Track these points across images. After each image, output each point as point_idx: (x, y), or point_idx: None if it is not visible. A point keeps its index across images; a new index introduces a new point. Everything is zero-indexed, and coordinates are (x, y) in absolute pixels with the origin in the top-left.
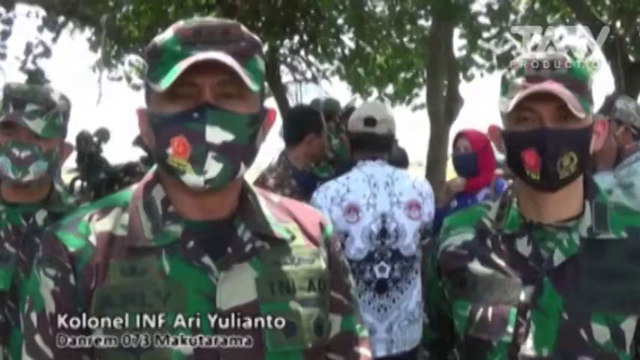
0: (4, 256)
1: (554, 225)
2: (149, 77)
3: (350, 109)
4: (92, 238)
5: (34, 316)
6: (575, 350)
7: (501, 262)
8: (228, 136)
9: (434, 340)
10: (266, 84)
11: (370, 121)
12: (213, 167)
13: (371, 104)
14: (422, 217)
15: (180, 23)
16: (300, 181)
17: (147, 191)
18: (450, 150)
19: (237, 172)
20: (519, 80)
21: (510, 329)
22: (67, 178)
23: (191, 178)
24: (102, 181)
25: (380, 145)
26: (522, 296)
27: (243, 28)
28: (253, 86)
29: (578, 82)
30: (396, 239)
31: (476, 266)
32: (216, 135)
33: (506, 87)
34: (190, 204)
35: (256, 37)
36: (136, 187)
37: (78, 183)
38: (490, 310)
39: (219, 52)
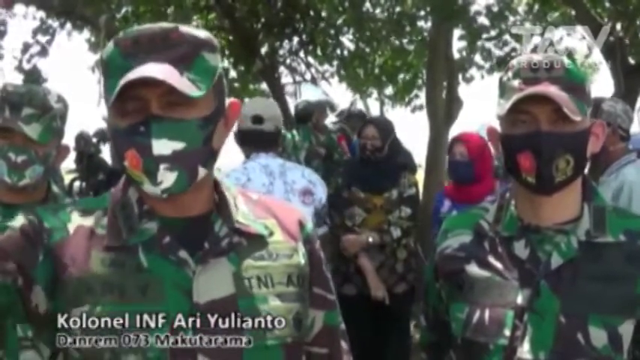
0: None
1: (552, 228)
2: (103, 90)
3: (354, 113)
4: (70, 226)
5: None
6: (572, 353)
7: (499, 265)
8: (178, 145)
9: (431, 343)
10: (265, 85)
11: (258, 119)
12: (168, 177)
13: (258, 101)
14: (315, 203)
15: (121, 34)
16: None
17: (123, 192)
18: None
19: (196, 177)
20: (516, 82)
21: (507, 332)
22: (66, 178)
23: (149, 189)
24: (101, 181)
25: (267, 140)
26: (519, 299)
27: (184, 29)
28: (194, 93)
29: (575, 84)
30: None
31: (473, 269)
32: (164, 146)
33: (503, 89)
34: (162, 204)
35: (202, 34)
36: (113, 190)
37: (77, 184)
38: (487, 313)
39: (158, 62)
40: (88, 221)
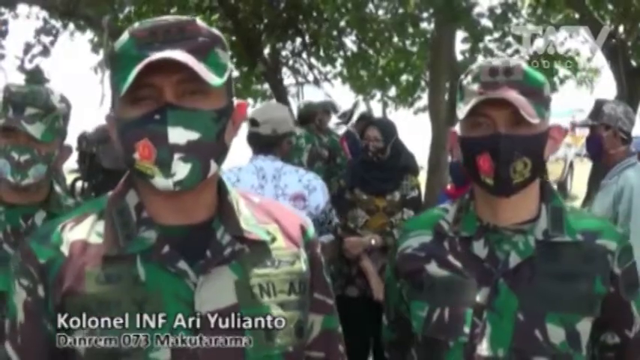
0: (3, 258)
1: (510, 228)
2: (111, 83)
3: (362, 115)
4: (64, 248)
5: (7, 323)
6: (531, 350)
7: (458, 264)
8: (193, 135)
9: (393, 341)
10: (267, 86)
11: (253, 122)
12: (181, 169)
13: (263, 106)
14: (308, 209)
15: (136, 25)
16: None
17: (121, 198)
18: None
19: (208, 171)
20: (475, 86)
21: (466, 330)
22: (68, 178)
23: (160, 182)
24: (103, 182)
25: (263, 143)
26: (478, 297)
27: (200, 23)
28: (213, 80)
29: (533, 88)
30: None
31: (433, 268)
32: (179, 135)
33: (463, 93)
34: (165, 207)
35: (216, 31)
36: (111, 194)
37: (79, 184)
38: (447, 311)
39: (175, 50)
40: (81, 233)
